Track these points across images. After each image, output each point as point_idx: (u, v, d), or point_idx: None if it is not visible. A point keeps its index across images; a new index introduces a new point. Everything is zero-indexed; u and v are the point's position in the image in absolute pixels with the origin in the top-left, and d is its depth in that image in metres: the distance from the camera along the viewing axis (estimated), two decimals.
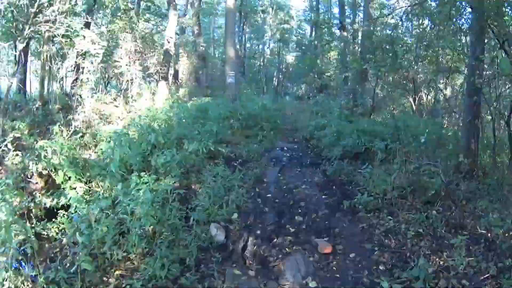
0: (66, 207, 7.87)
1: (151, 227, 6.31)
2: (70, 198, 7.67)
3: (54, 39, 14.12)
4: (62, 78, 16.19)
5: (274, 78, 46.25)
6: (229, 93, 18.89)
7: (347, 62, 23.15)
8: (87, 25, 16.61)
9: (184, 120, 12.51)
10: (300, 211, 8.49)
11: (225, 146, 12.73)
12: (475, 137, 10.30)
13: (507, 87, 12.36)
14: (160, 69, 21.08)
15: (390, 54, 12.82)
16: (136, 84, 19.30)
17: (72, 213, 7.13)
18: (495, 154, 10.86)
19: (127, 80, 19.03)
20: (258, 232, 7.49)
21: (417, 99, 18.82)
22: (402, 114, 17.92)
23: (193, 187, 9.12)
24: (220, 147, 11.39)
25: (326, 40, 31.14)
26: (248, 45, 47.89)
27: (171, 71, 25.97)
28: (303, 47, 37.52)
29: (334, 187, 10.07)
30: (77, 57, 15.13)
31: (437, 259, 6.29)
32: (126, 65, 18.67)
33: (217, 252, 6.68)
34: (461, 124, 13.69)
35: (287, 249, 6.90)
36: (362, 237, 7.24)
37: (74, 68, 16.15)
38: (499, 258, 6.19)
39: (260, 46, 47.70)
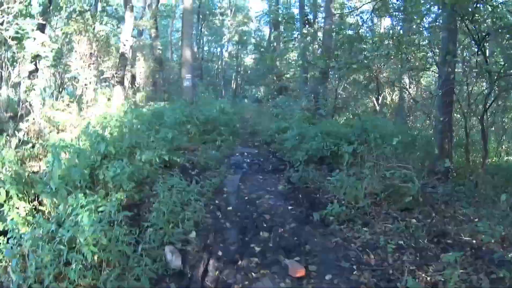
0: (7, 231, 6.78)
1: (96, 256, 5.30)
2: (9, 221, 6.54)
3: (8, 42, 12.93)
4: (18, 83, 14.92)
5: (233, 81, 45.51)
6: (186, 97, 17.91)
7: (308, 62, 22.36)
8: (42, 27, 15.37)
9: (138, 127, 11.48)
10: (265, 225, 7.55)
11: (182, 153, 11.88)
12: (449, 137, 9.66)
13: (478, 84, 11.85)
14: (116, 73, 20.02)
15: (356, 53, 12.08)
16: (91, 89, 18.21)
17: (10, 238, 6.02)
18: (468, 153, 10.26)
19: (82, 86, 17.96)
20: (220, 253, 6.49)
21: (380, 98, 18.28)
22: (363, 114, 17.16)
23: (146, 202, 8.11)
24: (176, 155, 10.44)
25: (287, 38, 30.27)
26: (206, 48, 47.26)
27: (128, 75, 25.00)
28: (261, 49, 36.79)
29: (300, 195, 9.18)
30: (31, 62, 13.94)
31: (423, 275, 5.56)
32: (76, 69, 17.53)
33: (174, 281, 5.68)
34: (429, 123, 13.14)
35: (253, 273, 5.92)
36: (337, 254, 6.36)
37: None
38: (489, 267, 5.53)
39: (219, 49, 46.90)
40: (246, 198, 9.17)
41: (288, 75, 32.99)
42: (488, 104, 9.86)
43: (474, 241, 6.37)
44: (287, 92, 28.43)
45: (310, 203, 8.51)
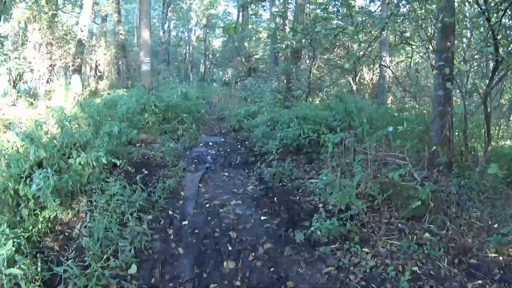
0: None
1: None
2: None
3: None
4: None
5: (201, 65, 43.41)
6: (145, 82, 15.59)
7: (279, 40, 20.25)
8: None
9: (84, 120, 9.43)
10: (230, 248, 5.41)
11: (139, 147, 10.04)
12: (449, 122, 7.68)
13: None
14: (74, 61, 17.92)
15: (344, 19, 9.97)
16: (44, 81, 16.16)
17: None
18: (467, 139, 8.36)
19: (36, 78, 15.97)
20: None
21: (357, 78, 16.53)
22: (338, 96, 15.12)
23: (84, 217, 5.97)
24: (123, 152, 8.46)
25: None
26: (173, 33, 44.94)
27: (92, 64, 23.60)
28: (228, 29, 34.60)
29: (276, 199, 7.03)
30: None
31: None
32: (6, 55, 15.42)
33: None
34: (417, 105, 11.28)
35: None
36: None
37: None
38: None
39: (186, 34, 44.53)
40: (207, 205, 7.01)
41: (257, 56, 30.94)
42: (493, 84, 7.91)
43: (501, 258, 4.89)
44: (256, 74, 26.37)
45: (288, 210, 6.38)
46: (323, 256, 4.99)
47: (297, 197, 6.97)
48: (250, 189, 7.83)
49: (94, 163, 6.86)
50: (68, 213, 6.05)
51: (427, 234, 5.24)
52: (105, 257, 4.89)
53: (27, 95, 15.15)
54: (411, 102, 13.82)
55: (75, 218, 6.04)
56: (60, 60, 18.28)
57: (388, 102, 15.81)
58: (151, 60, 16.12)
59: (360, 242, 5.18)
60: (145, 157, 9.50)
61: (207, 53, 42.90)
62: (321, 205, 6.34)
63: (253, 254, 5.19)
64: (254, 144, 11.33)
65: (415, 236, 5.21)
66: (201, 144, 12.19)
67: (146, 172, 8.48)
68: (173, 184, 7.77)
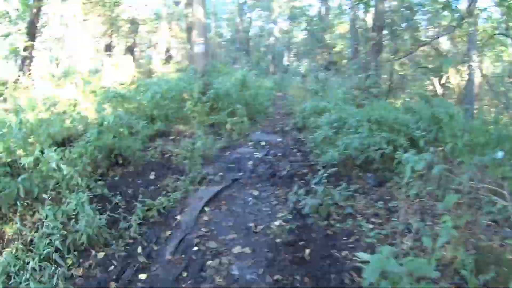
0: None
1: None
2: None
3: None
4: None
5: (285, 57, 41.19)
6: (197, 66, 13.12)
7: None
8: None
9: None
10: None
11: (172, 140, 8.26)
12: None
13: None
14: (126, 41, 16.22)
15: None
16: (86, 61, 15.16)
17: None
18: None
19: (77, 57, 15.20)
20: None
21: (443, 80, 13.64)
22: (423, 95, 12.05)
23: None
24: (116, 153, 6.16)
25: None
26: (258, 23, 43.11)
27: (161, 46, 22.33)
28: (312, 20, 31.88)
29: (307, 252, 4.16)
30: None
31: None
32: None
33: None
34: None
35: None
36: None
37: None
38: None
39: (270, 25, 42.45)
40: (196, 248, 4.30)
41: (337, 49, 28.13)
42: None
43: None
44: (335, 67, 23.63)
45: (318, 282, 3.58)
46: None
47: (342, 253, 4.05)
48: (275, 225, 4.88)
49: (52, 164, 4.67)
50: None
51: None
52: None
53: (64, 75, 13.48)
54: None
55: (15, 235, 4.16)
56: (101, 39, 16.70)
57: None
58: (205, 41, 13.66)
59: None
60: (165, 155, 7.09)
61: (290, 45, 40.76)
62: None
63: None
64: (312, 149, 8.48)
65: None
66: (250, 143, 9.60)
67: (151, 177, 6.05)
68: (167, 203, 5.23)
